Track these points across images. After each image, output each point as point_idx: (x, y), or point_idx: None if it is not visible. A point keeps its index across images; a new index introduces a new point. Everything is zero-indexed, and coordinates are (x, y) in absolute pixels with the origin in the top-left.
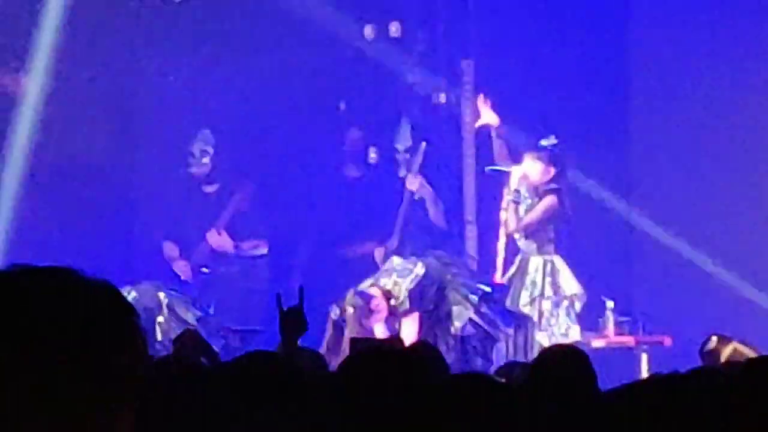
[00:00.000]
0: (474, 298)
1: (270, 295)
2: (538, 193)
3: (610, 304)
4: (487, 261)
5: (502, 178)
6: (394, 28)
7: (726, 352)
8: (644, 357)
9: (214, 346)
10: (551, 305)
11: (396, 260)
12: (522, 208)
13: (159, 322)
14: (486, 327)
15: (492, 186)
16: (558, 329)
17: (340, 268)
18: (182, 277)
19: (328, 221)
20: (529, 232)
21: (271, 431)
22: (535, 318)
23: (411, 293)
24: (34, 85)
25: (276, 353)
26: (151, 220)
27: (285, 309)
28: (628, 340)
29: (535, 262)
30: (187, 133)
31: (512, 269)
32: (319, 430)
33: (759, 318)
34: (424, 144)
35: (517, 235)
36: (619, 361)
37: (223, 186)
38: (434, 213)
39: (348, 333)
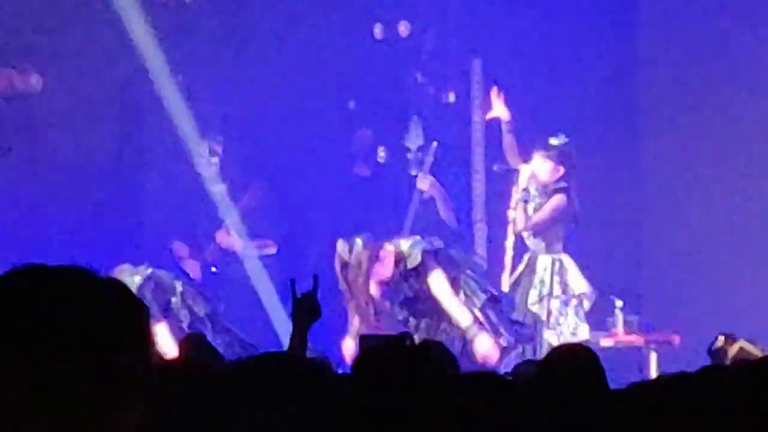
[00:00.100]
0: (482, 296)
1: (279, 295)
2: (546, 191)
3: (619, 303)
4: (496, 260)
5: (511, 177)
6: (403, 28)
7: (733, 351)
8: (653, 356)
9: (218, 344)
10: (560, 304)
11: (418, 237)
12: (531, 207)
13: (171, 307)
14: (488, 329)
15: (501, 185)
16: (567, 328)
17: None
18: (192, 277)
19: (337, 220)
20: (538, 230)
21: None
22: (544, 317)
23: (425, 254)
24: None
25: (284, 354)
26: (160, 220)
27: (298, 295)
28: (637, 339)
29: (544, 261)
30: (197, 133)
31: (520, 268)
32: (327, 430)
33: None
34: (435, 143)
35: (525, 234)
36: (628, 360)
37: (233, 185)
38: (444, 212)
39: (349, 271)
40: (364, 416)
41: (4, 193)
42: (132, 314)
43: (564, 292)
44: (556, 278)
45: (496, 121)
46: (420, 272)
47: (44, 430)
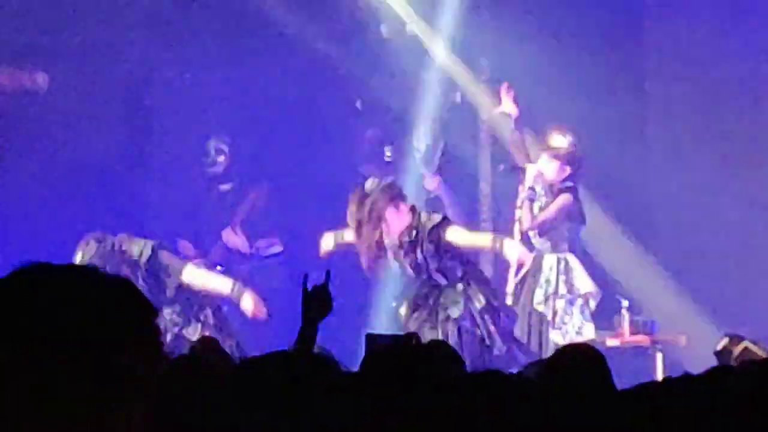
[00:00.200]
0: (482, 299)
1: (284, 294)
2: (553, 191)
3: (625, 303)
4: (502, 260)
5: (518, 176)
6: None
7: (737, 352)
8: (659, 356)
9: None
10: (565, 303)
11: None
12: (537, 206)
13: None
14: (482, 333)
15: (507, 185)
16: (572, 327)
17: (356, 267)
18: None
19: (344, 220)
20: (543, 230)
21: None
22: (549, 316)
23: (445, 218)
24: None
25: (289, 353)
26: (166, 219)
27: (309, 289)
28: (643, 339)
29: (549, 260)
30: (203, 132)
31: (526, 267)
32: (333, 430)
33: None
34: (443, 143)
35: (531, 233)
36: (634, 361)
37: (239, 185)
38: (452, 212)
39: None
40: (370, 416)
41: (8, 192)
42: (136, 313)
43: (569, 291)
44: (562, 277)
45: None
46: (438, 228)
47: (44, 430)
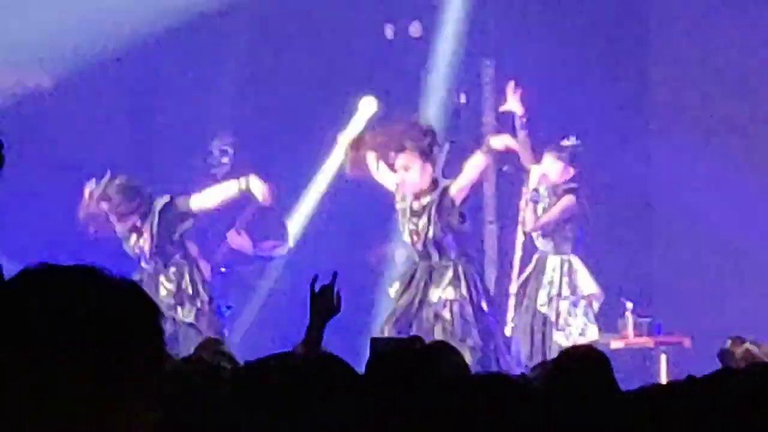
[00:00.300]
0: (464, 291)
1: (287, 295)
2: (557, 192)
3: (629, 305)
4: (506, 261)
5: (522, 177)
6: (414, 28)
7: (739, 353)
8: (663, 358)
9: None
10: (569, 305)
11: None
12: (540, 207)
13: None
14: (458, 324)
15: (512, 186)
16: (575, 329)
17: (361, 270)
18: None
19: (348, 221)
20: (547, 231)
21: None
22: (553, 318)
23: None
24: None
25: (292, 355)
26: None
27: (317, 290)
28: (647, 341)
29: (553, 262)
30: (207, 133)
31: (529, 268)
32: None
33: None
34: (448, 144)
35: (534, 234)
36: (638, 363)
37: None
38: None
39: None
40: (373, 419)
41: (10, 192)
42: (140, 314)
43: (573, 293)
44: (565, 279)
45: (510, 113)
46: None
47: (44, 430)
